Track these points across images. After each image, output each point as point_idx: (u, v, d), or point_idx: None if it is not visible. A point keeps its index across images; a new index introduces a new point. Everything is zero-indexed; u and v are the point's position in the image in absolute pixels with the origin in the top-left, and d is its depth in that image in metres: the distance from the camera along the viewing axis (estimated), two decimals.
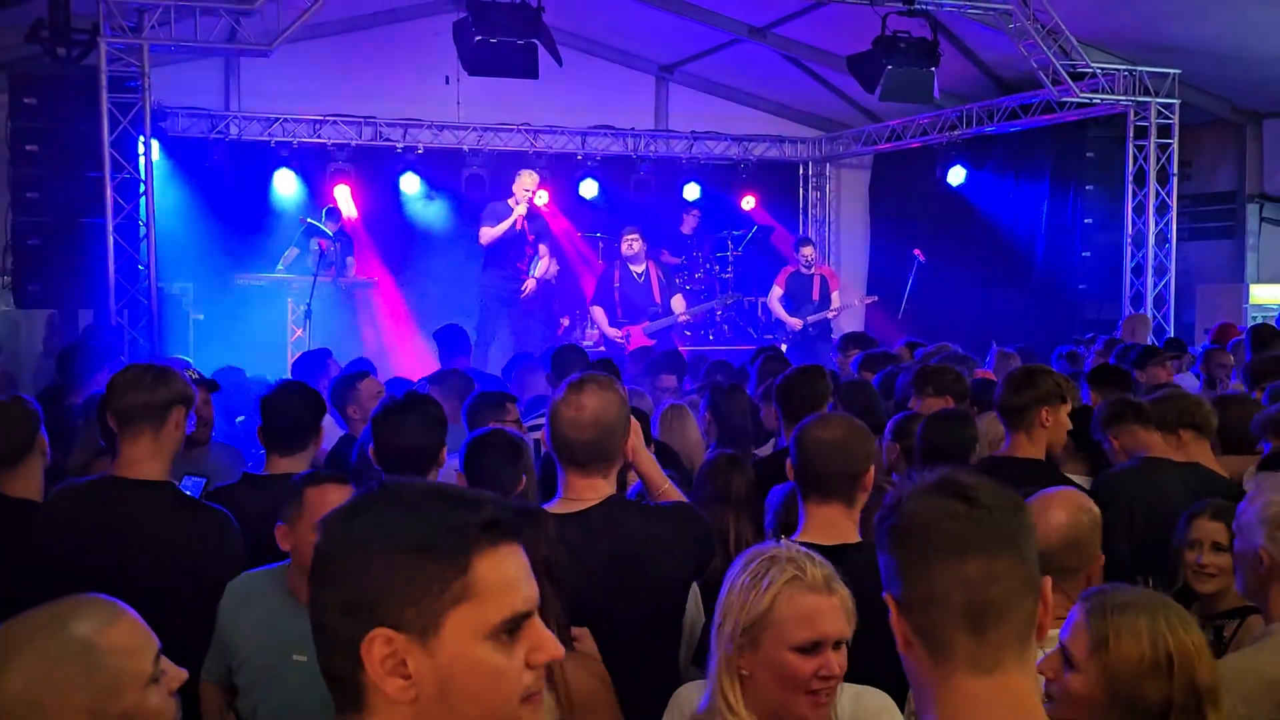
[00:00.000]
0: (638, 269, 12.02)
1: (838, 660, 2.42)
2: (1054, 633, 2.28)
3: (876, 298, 13.73)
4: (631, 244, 11.90)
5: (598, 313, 12.03)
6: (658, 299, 11.99)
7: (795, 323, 12.52)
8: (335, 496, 3.23)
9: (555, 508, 3.20)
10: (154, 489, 3.56)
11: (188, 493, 3.82)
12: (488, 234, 11.83)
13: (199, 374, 5.60)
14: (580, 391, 3.22)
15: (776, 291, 12.79)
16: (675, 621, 3.40)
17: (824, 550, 2.82)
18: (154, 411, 3.54)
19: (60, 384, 6.64)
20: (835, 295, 12.66)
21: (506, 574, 1.48)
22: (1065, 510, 3.08)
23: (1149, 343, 8.94)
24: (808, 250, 12.81)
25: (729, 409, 5.41)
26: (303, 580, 3.20)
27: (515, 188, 12.00)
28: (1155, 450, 4.64)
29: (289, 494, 3.32)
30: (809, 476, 3.26)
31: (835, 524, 3.19)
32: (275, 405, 4.26)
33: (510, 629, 1.47)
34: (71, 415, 5.51)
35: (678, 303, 12.05)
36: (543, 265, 12.10)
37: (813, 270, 12.69)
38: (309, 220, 12.48)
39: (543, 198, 13.72)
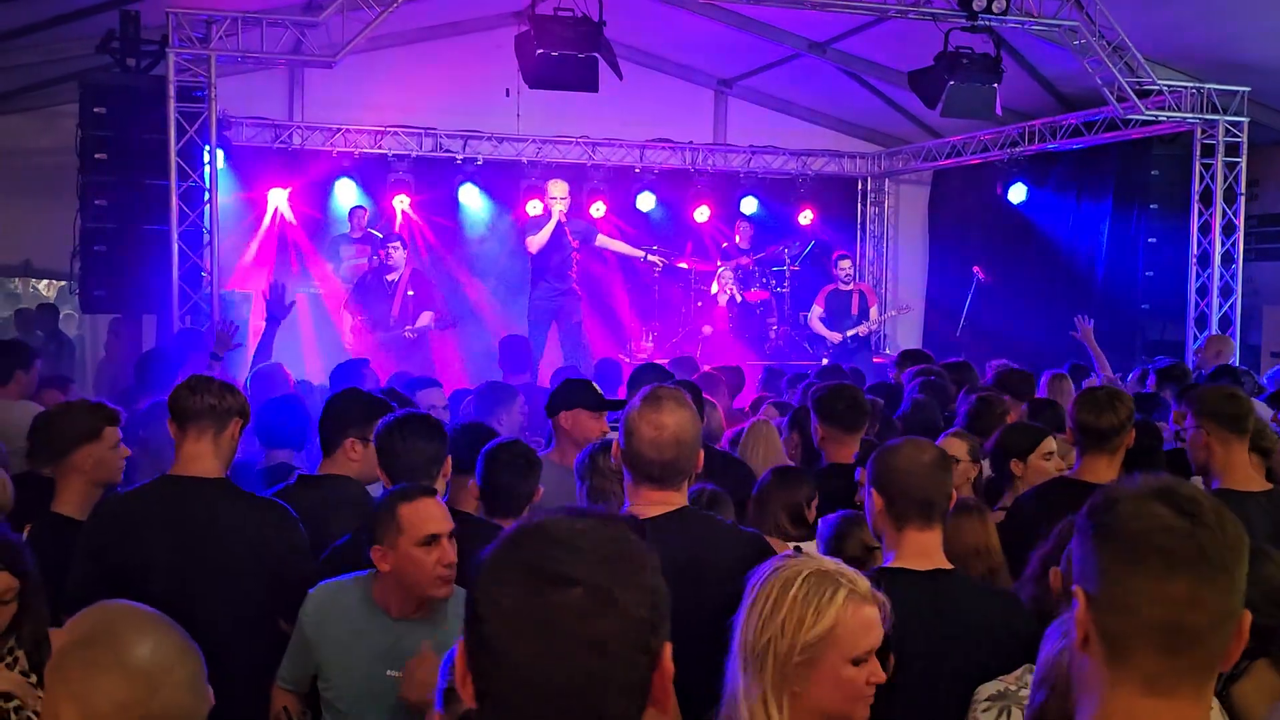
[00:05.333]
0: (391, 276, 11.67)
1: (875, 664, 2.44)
2: None
3: (910, 308, 14.24)
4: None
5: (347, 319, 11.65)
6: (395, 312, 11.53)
7: (835, 336, 12.98)
8: (434, 510, 3.22)
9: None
10: (214, 484, 3.73)
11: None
12: (535, 242, 12.12)
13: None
14: (660, 410, 3.14)
15: (816, 310, 13.25)
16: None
17: (919, 577, 3.00)
18: (219, 415, 3.72)
19: (137, 389, 6.75)
20: (873, 311, 13.20)
21: None
22: None
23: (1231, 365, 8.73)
24: (845, 264, 13.27)
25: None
26: (397, 596, 3.22)
27: (546, 198, 12.36)
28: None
29: (380, 513, 3.24)
30: (911, 502, 3.09)
31: (933, 550, 3.09)
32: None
33: None
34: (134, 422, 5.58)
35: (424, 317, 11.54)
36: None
37: (851, 286, 13.17)
38: (370, 230, 12.63)
39: (599, 209, 13.81)
